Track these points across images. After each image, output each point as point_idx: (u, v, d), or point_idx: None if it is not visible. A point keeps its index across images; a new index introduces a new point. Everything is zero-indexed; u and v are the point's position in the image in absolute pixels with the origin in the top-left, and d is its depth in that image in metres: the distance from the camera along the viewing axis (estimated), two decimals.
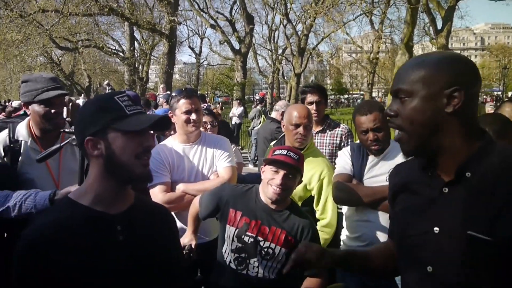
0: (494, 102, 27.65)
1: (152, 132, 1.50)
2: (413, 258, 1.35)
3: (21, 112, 4.04)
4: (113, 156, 1.34)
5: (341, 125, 3.71)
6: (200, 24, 39.32)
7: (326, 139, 3.60)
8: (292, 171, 2.12)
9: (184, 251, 2.33)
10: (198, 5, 29.49)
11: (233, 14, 31.59)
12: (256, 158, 9.89)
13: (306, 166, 2.27)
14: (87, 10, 17.33)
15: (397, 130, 1.35)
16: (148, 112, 5.82)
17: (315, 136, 3.59)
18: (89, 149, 1.35)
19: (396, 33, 32.61)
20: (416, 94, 1.26)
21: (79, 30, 22.67)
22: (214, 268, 2.34)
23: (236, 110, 14.91)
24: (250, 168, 10.41)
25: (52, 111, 2.35)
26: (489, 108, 10.28)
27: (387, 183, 2.39)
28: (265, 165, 2.18)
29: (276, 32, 39.54)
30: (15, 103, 11.00)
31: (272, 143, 3.44)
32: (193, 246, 2.37)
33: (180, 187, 2.63)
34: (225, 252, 2.26)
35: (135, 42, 28.09)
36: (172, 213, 2.66)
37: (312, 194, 2.74)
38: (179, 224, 2.69)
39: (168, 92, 10.39)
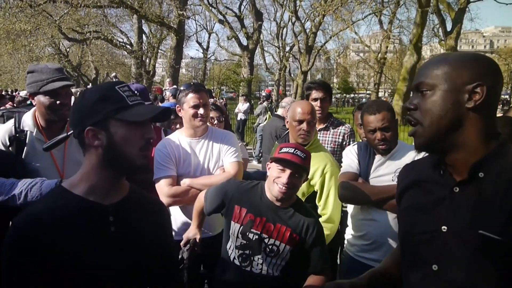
0: (501, 105, 27.46)
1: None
2: (418, 256, 1.34)
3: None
4: (114, 146, 1.32)
5: (344, 124, 3.70)
6: (209, 19, 39.47)
7: (329, 137, 3.59)
8: (299, 170, 2.10)
9: (189, 245, 2.33)
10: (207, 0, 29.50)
11: (242, 10, 31.65)
12: (260, 154, 9.89)
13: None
14: (97, 2, 17.36)
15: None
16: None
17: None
18: (89, 139, 1.33)
19: (405, 33, 32.60)
20: (438, 88, 1.25)
21: (88, 22, 22.70)
22: (218, 264, 2.34)
23: (242, 106, 14.89)
24: (254, 164, 10.41)
25: (58, 102, 2.35)
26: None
27: (393, 182, 2.39)
28: (271, 162, 2.17)
29: (284, 29, 39.61)
30: (23, 93, 11.03)
31: (276, 142, 3.42)
32: (197, 240, 2.37)
33: (186, 181, 2.62)
34: (229, 249, 2.25)
35: (143, 35, 28.14)
36: (177, 206, 2.69)
37: (315, 190, 2.73)
38: (184, 218, 2.70)
39: (175, 87, 10.41)
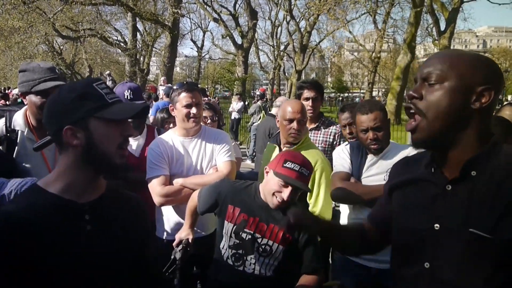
0: None
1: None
2: (411, 254, 1.35)
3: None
4: (94, 145, 1.30)
5: (335, 124, 3.71)
6: (203, 17, 39.39)
7: (320, 137, 3.60)
8: (301, 188, 2.10)
9: (181, 246, 2.32)
10: None
11: (236, 9, 31.61)
12: (254, 153, 9.88)
13: None
14: None
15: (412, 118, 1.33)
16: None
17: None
18: (67, 138, 1.29)
19: (399, 33, 32.69)
20: (448, 82, 1.25)
21: (82, 19, 22.56)
22: (212, 263, 2.34)
23: (236, 105, 14.82)
24: (248, 163, 10.39)
25: None
26: None
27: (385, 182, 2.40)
28: (273, 173, 2.12)
29: (279, 28, 39.64)
30: (15, 91, 10.96)
31: (268, 142, 3.41)
32: (190, 241, 2.37)
33: (179, 181, 2.61)
34: (222, 248, 2.25)
35: (138, 33, 28.04)
36: (170, 206, 2.68)
37: None
38: (176, 217, 2.69)
39: (169, 85, 10.34)
